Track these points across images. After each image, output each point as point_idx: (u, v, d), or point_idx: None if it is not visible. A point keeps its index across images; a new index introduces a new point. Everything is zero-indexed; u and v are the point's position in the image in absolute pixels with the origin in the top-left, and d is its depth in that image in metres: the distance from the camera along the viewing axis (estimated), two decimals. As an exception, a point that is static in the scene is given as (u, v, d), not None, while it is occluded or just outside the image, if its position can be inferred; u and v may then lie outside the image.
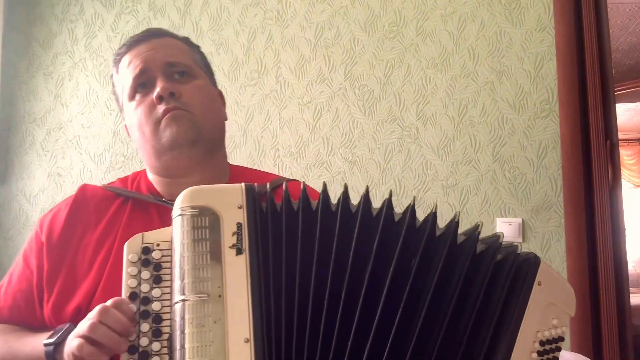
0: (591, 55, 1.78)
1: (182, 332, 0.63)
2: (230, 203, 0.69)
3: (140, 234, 0.72)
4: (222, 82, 2.10)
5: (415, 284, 0.68)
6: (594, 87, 1.77)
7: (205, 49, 2.11)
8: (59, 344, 0.74)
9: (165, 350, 0.67)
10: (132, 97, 0.93)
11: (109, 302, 0.68)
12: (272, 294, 0.67)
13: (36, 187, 2.20)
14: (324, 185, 0.72)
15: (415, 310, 0.68)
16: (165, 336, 0.68)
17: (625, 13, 3.56)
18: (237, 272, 0.66)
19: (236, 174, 1.01)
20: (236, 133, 2.06)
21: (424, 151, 1.92)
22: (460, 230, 0.73)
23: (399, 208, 0.73)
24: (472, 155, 1.88)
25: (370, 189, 0.71)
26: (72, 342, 0.68)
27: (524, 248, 1.79)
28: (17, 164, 2.23)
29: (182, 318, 0.64)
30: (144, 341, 0.67)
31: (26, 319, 0.88)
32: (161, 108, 0.89)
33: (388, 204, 0.70)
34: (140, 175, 1.00)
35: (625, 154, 6.21)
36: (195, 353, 0.63)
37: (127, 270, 0.70)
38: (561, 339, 0.72)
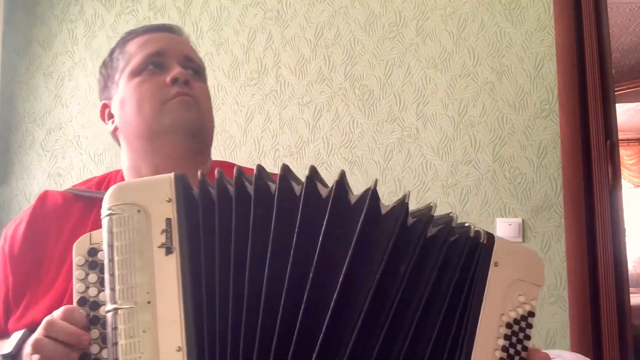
0: (591, 55, 1.78)
1: (114, 343, 0.59)
2: (158, 197, 0.62)
3: (87, 234, 0.66)
4: (222, 82, 2.10)
5: (355, 272, 0.61)
6: (594, 87, 1.77)
7: (205, 49, 2.12)
8: (15, 355, 0.71)
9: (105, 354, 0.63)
10: (137, 73, 0.90)
11: (57, 313, 0.64)
12: (204, 296, 0.60)
13: (36, 187, 2.20)
14: (259, 166, 0.65)
15: (355, 302, 0.61)
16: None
17: (625, 13, 3.56)
18: (166, 274, 0.60)
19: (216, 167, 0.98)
20: (236, 133, 2.05)
21: (424, 151, 1.92)
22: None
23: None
24: (472, 155, 1.88)
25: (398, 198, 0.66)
26: (27, 347, 0.66)
27: (524, 248, 1.80)
28: (17, 164, 2.23)
29: (114, 329, 0.59)
30: (94, 348, 0.63)
31: None
32: (174, 89, 0.87)
33: (339, 184, 0.63)
34: (112, 175, 0.96)
35: (625, 154, 6.21)
36: None
37: (75, 274, 0.65)
38: (531, 314, 0.65)
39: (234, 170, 0.65)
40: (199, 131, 0.89)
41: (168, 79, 0.88)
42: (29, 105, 2.25)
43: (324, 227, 0.61)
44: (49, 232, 0.87)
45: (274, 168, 0.66)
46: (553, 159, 1.82)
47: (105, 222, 0.62)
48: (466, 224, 0.67)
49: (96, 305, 0.65)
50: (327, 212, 0.62)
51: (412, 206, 0.67)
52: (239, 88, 2.08)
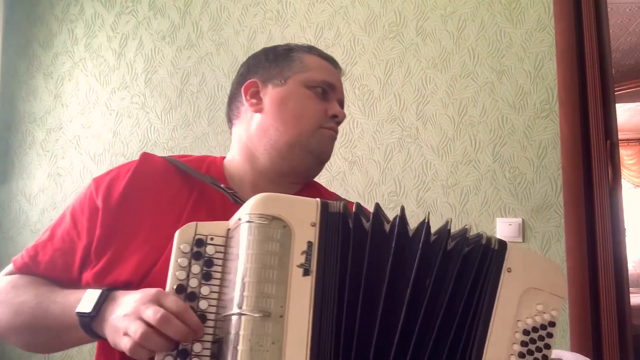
0: (591, 55, 1.78)
1: (236, 347, 0.60)
2: (303, 218, 0.66)
3: (194, 223, 0.69)
4: (222, 82, 2.10)
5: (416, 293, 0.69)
6: (594, 87, 1.77)
7: (205, 49, 2.12)
8: (94, 317, 0.72)
9: (206, 352, 0.64)
10: (309, 87, 0.96)
11: (170, 304, 0.65)
12: (334, 322, 0.64)
13: (36, 187, 2.20)
14: (401, 210, 0.71)
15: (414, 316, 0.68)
16: (207, 337, 0.65)
17: (625, 13, 3.56)
18: (301, 293, 0.63)
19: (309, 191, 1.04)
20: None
21: (424, 151, 1.92)
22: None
23: (399, 208, 0.73)
24: (472, 155, 1.88)
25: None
26: (131, 325, 0.65)
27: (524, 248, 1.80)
28: (17, 164, 2.23)
29: (237, 333, 0.61)
30: (197, 346, 0.64)
31: (59, 277, 0.85)
32: (331, 123, 0.97)
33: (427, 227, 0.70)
34: (215, 160, 1.00)
35: (625, 154, 6.21)
36: None
37: (176, 260, 0.67)
38: (552, 324, 0.69)
39: (374, 207, 0.71)
40: (324, 164, 0.99)
41: (330, 113, 0.96)
42: (29, 105, 2.25)
43: (394, 260, 0.69)
44: (146, 195, 0.87)
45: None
46: (553, 159, 1.82)
47: (245, 227, 0.64)
48: (481, 233, 0.71)
49: (194, 296, 0.66)
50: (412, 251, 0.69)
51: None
52: (239, 88, 2.07)
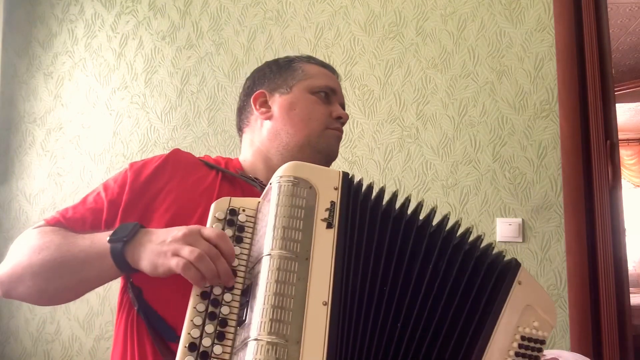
0: (591, 55, 1.78)
1: (267, 281, 0.67)
2: (328, 183, 0.76)
3: (228, 197, 0.78)
4: (222, 82, 2.10)
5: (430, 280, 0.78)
6: (594, 87, 1.77)
7: (205, 49, 2.12)
8: (127, 242, 0.77)
9: (235, 304, 0.71)
10: (313, 92, 1.05)
11: (213, 233, 0.73)
12: (352, 268, 0.72)
13: (36, 187, 2.20)
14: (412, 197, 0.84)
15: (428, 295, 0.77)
16: (238, 292, 0.72)
17: (625, 13, 3.56)
18: (324, 242, 0.71)
19: None
20: (236, 133, 2.05)
21: (424, 151, 1.92)
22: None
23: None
24: (472, 155, 1.88)
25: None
26: (183, 248, 0.72)
27: (524, 248, 1.80)
28: (17, 164, 2.23)
29: (269, 270, 0.67)
30: (216, 290, 0.72)
31: (89, 229, 0.90)
32: (336, 124, 1.06)
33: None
34: (230, 159, 1.09)
35: (625, 154, 6.21)
36: (276, 301, 0.66)
37: (212, 225, 0.75)
38: (542, 342, 0.77)
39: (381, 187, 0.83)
40: (332, 162, 1.10)
41: (335, 115, 1.05)
42: (29, 105, 2.25)
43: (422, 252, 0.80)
44: (174, 175, 0.96)
45: (274, 168, 0.69)
46: (553, 159, 1.82)
47: (276, 184, 0.74)
48: (492, 245, 0.83)
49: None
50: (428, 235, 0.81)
51: (412, 206, 0.83)
52: (239, 88, 2.07)
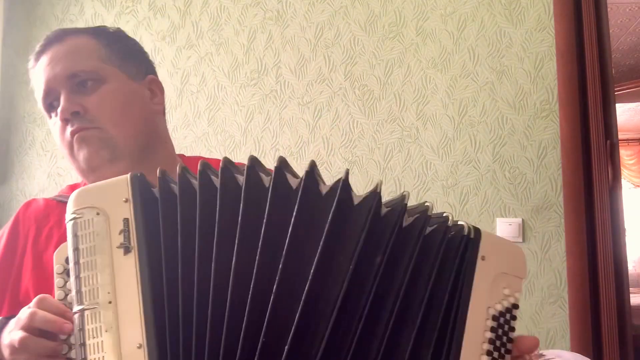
0: (591, 55, 1.78)
1: (82, 344, 0.60)
2: (115, 198, 0.63)
3: (66, 243, 0.65)
4: (222, 82, 2.10)
5: (328, 264, 0.60)
6: (594, 87, 1.77)
7: (205, 49, 2.12)
8: None
9: (72, 354, 0.63)
10: (49, 116, 0.88)
11: (31, 304, 0.64)
12: (165, 293, 0.60)
13: (36, 187, 2.20)
14: (225, 158, 0.64)
15: (329, 295, 0.59)
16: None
17: (625, 13, 3.56)
18: (126, 273, 0.61)
19: (190, 166, 0.95)
20: (236, 133, 2.06)
21: (424, 151, 1.92)
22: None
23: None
24: (472, 155, 1.88)
25: (370, 189, 0.64)
26: (14, 336, 0.64)
27: (524, 248, 1.80)
28: (17, 164, 2.23)
29: (80, 330, 0.60)
30: (64, 349, 0.63)
31: None
32: (69, 130, 0.84)
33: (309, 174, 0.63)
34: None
35: (625, 154, 6.21)
36: None
37: (55, 282, 0.65)
38: (515, 306, 0.65)
39: (199, 163, 0.63)
40: (114, 153, 0.84)
41: (60, 119, 0.84)
42: (29, 105, 2.25)
43: (293, 219, 0.60)
44: (27, 236, 0.88)
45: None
46: (553, 159, 1.82)
47: (69, 226, 0.63)
48: (444, 214, 0.65)
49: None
50: (297, 203, 0.60)
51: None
52: (239, 88, 2.08)
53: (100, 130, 0.84)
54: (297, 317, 0.58)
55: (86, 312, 0.60)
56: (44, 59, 0.86)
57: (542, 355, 1.40)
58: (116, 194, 0.63)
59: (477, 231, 0.65)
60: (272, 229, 0.60)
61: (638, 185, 6.32)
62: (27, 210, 0.91)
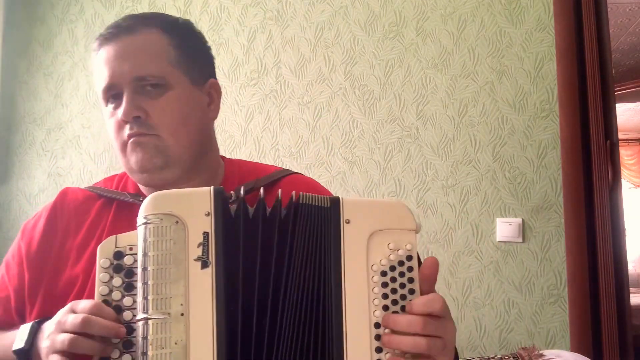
0: (591, 55, 1.78)
1: (144, 353, 0.59)
2: (197, 210, 0.63)
3: (114, 237, 0.66)
4: (222, 82, 2.09)
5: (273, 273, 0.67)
6: (594, 87, 1.76)
7: (205, 49, 2.12)
8: (28, 351, 0.71)
9: (127, 358, 0.63)
10: (105, 103, 0.87)
11: (83, 306, 0.64)
12: (239, 312, 0.61)
13: (36, 187, 2.20)
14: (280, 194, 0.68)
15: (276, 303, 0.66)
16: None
17: (625, 13, 3.56)
18: (201, 287, 0.61)
19: (232, 169, 0.94)
20: (236, 133, 2.06)
21: (424, 151, 1.92)
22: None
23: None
24: (472, 155, 1.88)
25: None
26: (56, 339, 0.65)
27: (524, 248, 1.80)
28: (17, 164, 2.23)
29: (144, 338, 0.60)
30: (115, 353, 0.63)
31: (1, 325, 0.85)
32: (127, 130, 0.83)
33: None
34: (124, 174, 0.95)
35: (625, 154, 6.21)
36: None
37: (99, 276, 0.65)
38: (409, 258, 0.66)
39: (279, 192, 0.68)
40: (166, 161, 0.84)
41: (121, 119, 0.83)
42: (29, 105, 2.25)
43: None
44: (67, 229, 0.87)
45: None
46: (553, 159, 1.82)
47: (141, 230, 0.63)
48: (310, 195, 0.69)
49: (119, 309, 0.64)
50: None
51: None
52: (239, 88, 2.08)
53: (158, 137, 0.83)
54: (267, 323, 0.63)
55: (150, 321, 0.60)
56: (111, 50, 0.84)
57: (542, 355, 1.40)
58: (199, 206, 0.63)
59: (335, 200, 0.68)
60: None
61: (638, 185, 6.32)
62: (64, 200, 0.89)
